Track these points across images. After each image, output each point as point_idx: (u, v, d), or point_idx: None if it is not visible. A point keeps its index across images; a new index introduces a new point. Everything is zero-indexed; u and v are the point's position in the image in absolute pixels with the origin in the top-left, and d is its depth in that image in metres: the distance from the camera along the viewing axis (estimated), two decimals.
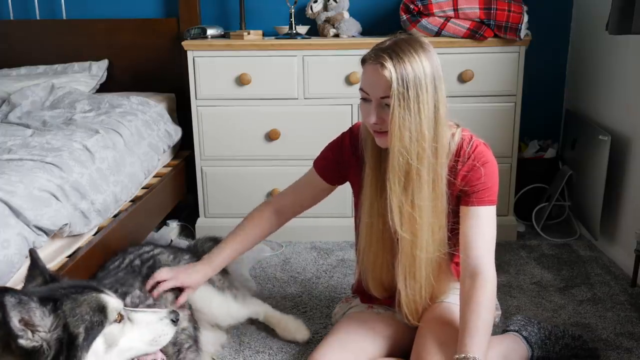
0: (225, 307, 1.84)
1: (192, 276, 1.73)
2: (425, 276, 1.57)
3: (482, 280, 1.49)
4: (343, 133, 1.77)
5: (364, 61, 1.50)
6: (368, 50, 1.51)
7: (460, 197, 1.58)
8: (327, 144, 1.80)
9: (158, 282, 1.69)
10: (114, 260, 1.82)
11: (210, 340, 1.81)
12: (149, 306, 1.55)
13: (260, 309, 1.98)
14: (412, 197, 1.50)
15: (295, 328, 1.95)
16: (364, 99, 1.50)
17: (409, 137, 1.44)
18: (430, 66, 1.45)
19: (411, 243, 1.54)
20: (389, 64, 1.42)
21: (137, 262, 1.80)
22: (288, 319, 1.97)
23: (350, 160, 1.72)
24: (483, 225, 1.55)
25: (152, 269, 1.75)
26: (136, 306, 1.53)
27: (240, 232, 1.82)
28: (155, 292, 1.66)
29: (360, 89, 1.50)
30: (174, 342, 1.52)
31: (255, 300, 2.00)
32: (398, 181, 1.48)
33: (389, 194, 1.50)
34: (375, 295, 1.72)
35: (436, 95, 1.46)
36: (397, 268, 1.59)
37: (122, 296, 1.55)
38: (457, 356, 1.41)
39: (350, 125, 1.78)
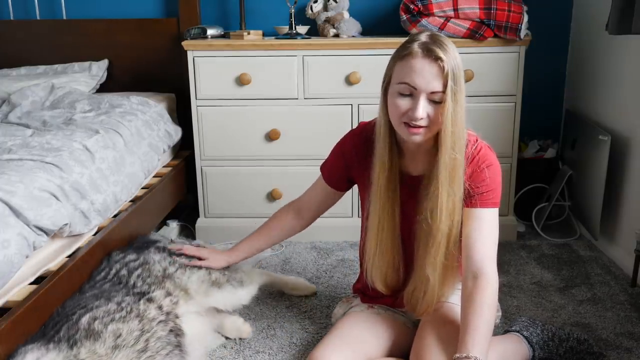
0: (237, 297, 1.93)
1: (213, 255, 1.94)
2: (448, 266, 1.61)
3: (484, 281, 1.50)
4: (344, 136, 1.78)
5: (407, 55, 1.47)
6: (404, 44, 1.51)
7: (463, 198, 1.58)
8: (331, 150, 1.81)
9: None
10: (100, 271, 1.82)
11: (205, 341, 1.83)
12: (112, 319, 1.54)
13: (264, 278, 2.16)
14: (454, 190, 1.53)
15: (302, 285, 2.24)
16: (403, 94, 1.49)
17: (456, 130, 1.48)
18: (461, 61, 1.49)
19: (447, 235, 1.56)
20: (445, 59, 1.44)
21: (124, 272, 1.80)
22: (292, 279, 2.27)
23: (353, 162, 1.73)
24: (486, 227, 1.56)
25: (142, 278, 1.77)
26: (95, 320, 1.51)
27: (261, 230, 1.96)
28: (177, 248, 1.94)
29: (404, 83, 1.47)
30: (142, 349, 1.51)
31: (255, 272, 2.13)
32: (448, 175, 1.51)
33: (439, 190, 1.51)
34: (379, 289, 1.72)
35: (464, 89, 1.51)
36: (422, 261, 1.60)
37: (84, 313, 1.53)
38: (458, 355, 1.41)
39: (352, 127, 1.79)
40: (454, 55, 1.47)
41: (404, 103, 1.48)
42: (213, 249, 2.07)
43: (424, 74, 1.45)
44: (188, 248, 1.97)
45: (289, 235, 1.96)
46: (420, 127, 1.49)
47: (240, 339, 1.93)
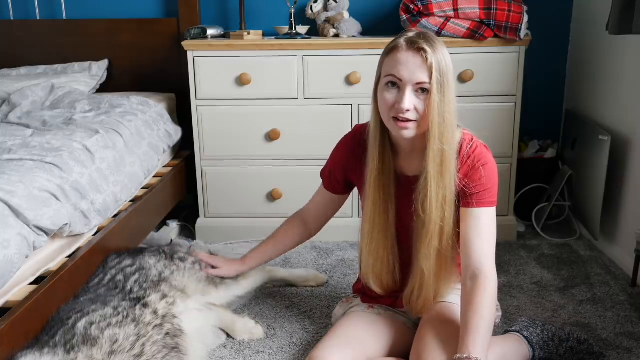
0: (232, 293, 2.00)
1: (226, 265, 2.02)
2: (444, 262, 1.61)
3: (483, 280, 1.50)
4: (340, 141, 1.80)
5: (393, 49, 1.50)
6: (392, 40, 1.53)
7: (459, 198, 1.58)
8: (329, 155, 1.82)
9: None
10: (94, 277, 1.83)
11: (206, 339, 1.83)
12: (109, 324, 1.54)
13: (267, 275, 2.19)
14: (445, 182, 1.53)
15: (314, 276, 2.28)
16: (391, 85, 1.50)
17: (443, 123, 1.49)
18: (450, 60, 1.51)
19: (440, 229, 1.56)
20: (429, 51, 1.46)
21: (120, 277, 1.81)
22: (302, 272, 2.30)
23: (350, 165, 1.74)
24: (483, 226, 1.56)
25: (139, 284, 1.79)
26: (91, 325, 1.52)
27: (270, 240, 2.00)
28: (195, 255, 2.04)
29: (390, 75, 1.49)
30: (138, 354, 1.51)
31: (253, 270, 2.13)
32: (437, 167, 1.52)
33: (428, 181, 1.52)
34: (376, 291, 1.72)
35: (454, 87, 1.52)
36: (417, 256, 1.60)
37: (80, 318, 1.54)
38: (458, 356, 1.41)
39: (352, 127, 1.80)
40: (440, 50, 1.49)
41: (391, 96, 1.50)
42: (225, 257, 2.14)
43: (408, 65, 1.47)
44: (203, 256, 2.06)
45: (297, 244, 2.01)
46: (408, 120, 1.49)
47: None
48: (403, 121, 1.49)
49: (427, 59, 1.46)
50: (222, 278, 1.99)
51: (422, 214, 1.55)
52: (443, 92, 1.47)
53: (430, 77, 1.46)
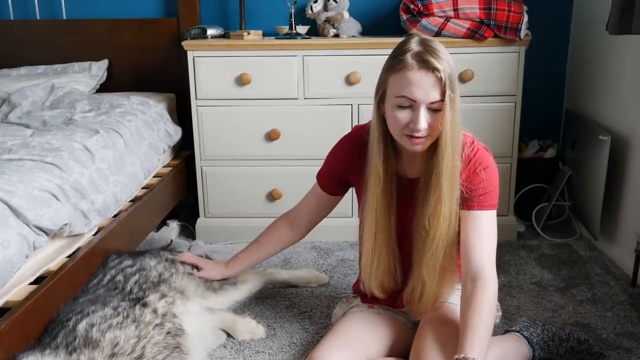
0: (231, 298, 1.99)
1: (210, 266, 2.00)
2: (445, 268, 1.61)
3: (483, 283, 1.50)
4: (339, 141, 1.78)
5: (402, 68, 1.44)
6: (395, 55, 1.48)
7: (460, 201, 1.58)
8: (326, 156, 1.81)
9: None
10: (94, 278, 1.83)
11: (206, 340, 1.83)
12: (110, 326, 1.54)
13: (267, 278, 2.18)
14: (453, 196, 1.52)
15: (315, 277, 2.27)
16: (402, 106, 1.46)
17: (454, 136, 1.48)
18: (454, 64, 1.48)
19: (444, 237, 1.56)
20: (440, 68, 1.42)
21: (120, 277, 1.81)
22: (303, 273, 2.28)
23: (349, 166, 1.73)
24: (484, 229, 1.56)
25: (139, 285, 1.79)
26: (92, 327, 1.52)
27: (256, 243, 1.97)
28: (180, 258, 2.00)
29: (402, 96, 1.45)
30: (139, 357, 1.51)
31: (252, 273, 2.13)
32: (449, 184, 1.50)
33: (442, 201, 1.51)
34: (377, 295, 1.72)
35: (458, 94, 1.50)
36: (420, 263, 1.60)
37: (80, 319, 1.53)
38: (457, 356, 1.42)
39: (352, 127, 1.79)
40: (448, 61, 1.45)
41: (404, 116, 1.47)
42: (213, 260, 2.11)
43: (422, 86, 1.43)
44: (188, 256, 2.03)
45: (285, 247, 1.98)
46: (422, 137, 1.48)
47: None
48: (417, 138, 1.48)
49: (441, 78, 1.42)
50: (221, 283, 1.98)
51: (428, 228, 1.55)
52: (453, 106, 1.46)
53: (443, 94, 1.43)
